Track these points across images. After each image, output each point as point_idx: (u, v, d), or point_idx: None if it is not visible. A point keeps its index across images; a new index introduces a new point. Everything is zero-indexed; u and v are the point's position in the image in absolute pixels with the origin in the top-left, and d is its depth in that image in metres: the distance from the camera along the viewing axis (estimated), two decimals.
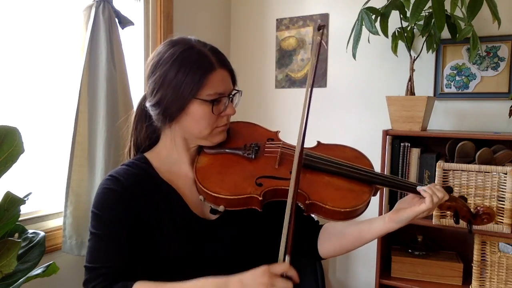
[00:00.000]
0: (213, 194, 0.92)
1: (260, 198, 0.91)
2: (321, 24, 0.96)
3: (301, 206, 0.95)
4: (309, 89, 0.92)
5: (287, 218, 0.84)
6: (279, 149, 1.02)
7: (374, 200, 1.81)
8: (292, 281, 0.81)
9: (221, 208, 0.92)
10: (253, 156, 0.99)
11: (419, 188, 0.97)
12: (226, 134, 1.02)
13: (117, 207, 0.92)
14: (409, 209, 0.95)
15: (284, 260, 0.82)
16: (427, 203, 0.93)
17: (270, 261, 0.84)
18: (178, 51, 0.94)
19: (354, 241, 1.05)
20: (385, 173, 1.87)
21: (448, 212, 1.63)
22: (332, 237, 1.09)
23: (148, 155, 1.03)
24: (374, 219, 1.04)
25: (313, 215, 1.04)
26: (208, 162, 0.99)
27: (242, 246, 1.01)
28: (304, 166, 0.96)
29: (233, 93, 1.00)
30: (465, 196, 1.68)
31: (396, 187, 1.03)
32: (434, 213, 1.76)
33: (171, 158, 1.02)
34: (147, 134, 1.05)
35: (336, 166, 0.99)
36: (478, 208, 1.00)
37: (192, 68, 0.92)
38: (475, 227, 1.65)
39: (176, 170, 1.02)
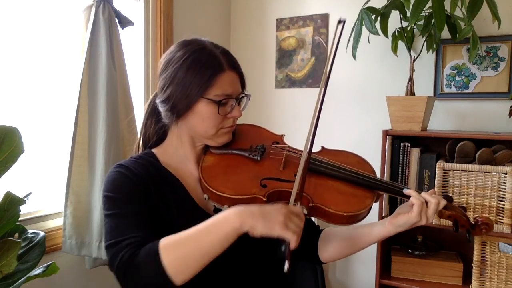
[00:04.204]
0: (218, 193, 0.92)
1: (264, 199, 0.92)
2: (341, 20, 0.95)
3: (305, 209, 0.95)
4: (323, 89, 0.94)
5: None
6: (284, 152, 1.03)
7: (375, 205, 1.80)
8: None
9: (225, 207, 0.92)
10: (258, 158, 1.00)
11: (407, 191, 0.98)
12: (231, 136, 1.04)
13: (131, 188, 0.93)
14: (406, 215, 0.97)
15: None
16: (415, 210, 0.94)
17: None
18: (190, 51, 0.96)
19: (354, 246, 1.07)
20: (385, 173, 1.88)
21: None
22: (332, 241, 1.11)
23: (155, 150, 1.04)
24: (374, 224, 1.05)
25: (315, 219, 1.05)
26: (214, 162, 1.00)
27: (245, 242, 1.02)
28: (309, 169, 0.97)
29: (241, 96, 1.02)
30: (465, 195, 1.70)
31: (397, 194, 1.03)
32: None
33: (177, 155, 1.04)
34: (155, 130, 1.07)
35: (340, 171, 1.01)
36: (477, 218, 1.01)
37: (202, 67, 0.94)
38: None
39: (182, 167, 1.03)
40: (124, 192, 0.92)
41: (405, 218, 0.97)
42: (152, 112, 1.06)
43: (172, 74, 0.96)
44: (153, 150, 1.04)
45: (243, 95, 1.03)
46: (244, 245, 1.01)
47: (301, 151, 1.02)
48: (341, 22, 0.94)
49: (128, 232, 0.87)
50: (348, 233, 1.08)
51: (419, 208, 0.94)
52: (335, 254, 1.11)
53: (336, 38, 0.92)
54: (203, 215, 0.97)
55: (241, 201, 0.92)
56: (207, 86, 0.94)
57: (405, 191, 0.99)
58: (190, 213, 0.97)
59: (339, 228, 1.11)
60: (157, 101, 1.01)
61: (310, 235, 1.13)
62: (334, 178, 1.00)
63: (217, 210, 0.98)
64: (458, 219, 1.00)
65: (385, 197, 1.90)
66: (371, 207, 0.98)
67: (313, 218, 1.17)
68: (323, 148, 1.12)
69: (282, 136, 1.12)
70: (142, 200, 0.92)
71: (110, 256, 0.87)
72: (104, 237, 0.92)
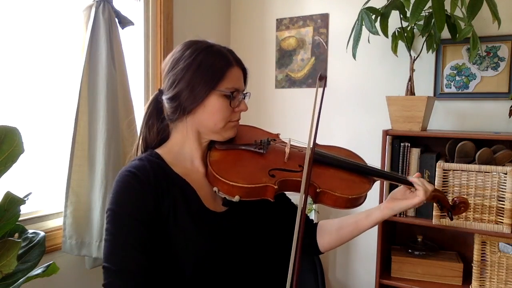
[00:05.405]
0: (230, 183, 0.94)
1: (276, 187, 0.96)
2: (322, 76, 1.02)
3: (311, 197, 1.01)
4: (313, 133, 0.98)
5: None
6: (287, 146, 1.09)
7: (375, 195, 1.81)
8: None
9: (236, 198, 0.94)
10: (264, 151, 1.05)
11: (412, 179, 1.08)
12: (236, 131, 1.07)
13: (137, 204, 0.92)
14: (405, 201, 1.06)
15: None
16: (421, 195, 1.04)
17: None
18: (200, 48, 1.00)
19: (352, 231, 1.13)
20: None
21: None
22: (331, 230, 1.16)
23: (160, 151, 1.04)
24: (371, 209, 1.12)
25: (320, 204, 1.10)
26: (221, 156, 1.03)
27: (254, 237, 1.05)
28: (313, 160, 1.02)
29: (245, 92, 1.05)
30: (465, 195, 1.70)
31: (390, 179, 1.16)
32: (434, 213, 1.76)
33: (183, 153, 1.04)
34: (158, 130, 1.06)
35: (339, 161, 1.09)
36: (455, 199, 1.14)
37: (213, 62, 0.98)
38: (475, 226, 1.68)
39: (188, 165, 1.03)
40: (130, 207, 0.92)
41: (405, 203, 1.05)
42: (154, 111, 1.06)
43: (183, 69, 0.98)
44: (157, 151, 1.03)
45: (246, 92, 1.06)
46: (246, 245, 1.02)
47: (301, 146, 1.11)
48: (322, 78, 1.01)
49: (125, 261, 0.89)
50: (346, 221, 1.14)
51: (424, 196, 1.03)
52: (336, 241, 1.16)
53: (319, 93, 0.99)
54: (210, 215, 0.99)
55: (253, 189, 0.95)
56: (219, 79, 0.97)
57: (410, 179, 1.08)
58: (199, 215, 0.97)
59: (335, 219, 1.19)
60: (164, 97, 1.01)
61: (307, 227, 1.18)
62: (335, 167, 1.08)
63: (226, 203, 1.01)
64: (441, 199, 1.13)
65: (385, 194, 1.90)
66: (367, 192, 1.07)
67: (312, 215, 1.18)
68: (316, 144, 1.16)
69: (278, 135, 1.18)
70: (147, 217, 0.92)
71: (106, 283, 0.89)
72: (103, 252, 0.92)
